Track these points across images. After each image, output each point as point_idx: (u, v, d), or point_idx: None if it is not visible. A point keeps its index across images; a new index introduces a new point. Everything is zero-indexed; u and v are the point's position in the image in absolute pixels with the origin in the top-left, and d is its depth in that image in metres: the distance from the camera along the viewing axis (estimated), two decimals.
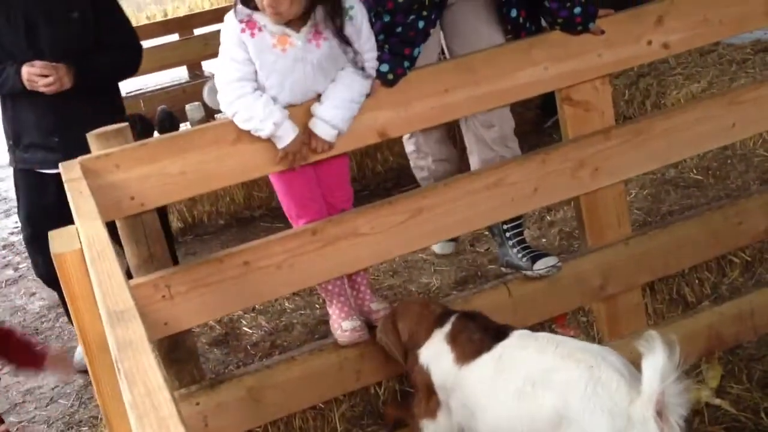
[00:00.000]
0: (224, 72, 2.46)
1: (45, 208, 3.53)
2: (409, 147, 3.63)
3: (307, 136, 2.50)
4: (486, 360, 2.28)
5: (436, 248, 4.05)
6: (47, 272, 3.57)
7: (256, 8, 2.40)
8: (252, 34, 2.42)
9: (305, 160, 2.54)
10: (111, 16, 3.60)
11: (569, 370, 2.09)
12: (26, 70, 3.32)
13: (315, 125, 2.49)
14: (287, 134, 2.45)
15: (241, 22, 2.41)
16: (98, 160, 2.35)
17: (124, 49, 3.63)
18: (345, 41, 2.45)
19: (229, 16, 2.45)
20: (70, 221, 1.76)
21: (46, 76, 3.31)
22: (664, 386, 1.90)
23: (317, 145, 2.52)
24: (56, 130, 3.46)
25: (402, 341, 2.53)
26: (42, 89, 3.33)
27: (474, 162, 3.22)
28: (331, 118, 2.48)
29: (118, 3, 3.69)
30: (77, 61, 3.40)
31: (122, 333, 1.17)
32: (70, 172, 2.22)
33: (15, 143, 3.59)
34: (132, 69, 3.76)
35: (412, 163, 3.67)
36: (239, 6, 2.42)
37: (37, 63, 3.32)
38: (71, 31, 3.44)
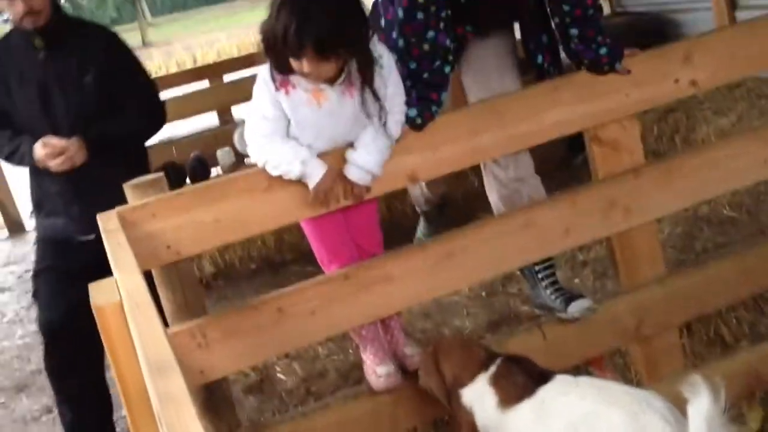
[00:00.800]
0: (255, 128, 2.50)
1: (68, 272, 3.39)
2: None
3: (342, 180, 2.53)
4: (528, 405, 2.27)
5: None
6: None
7: (291, 72, 2.43)
8: (286, 92, 2.46)
9: (338, 200, 2.55)
10: (128, 76, 3.47)
11: (613, 416, 2.06)
12: (37, 151, 3.25)
13: (350, 171, 2.52)
14: (316, 171, 2.47)
15: (274, 81, 2.45)
16: (135, 211, 2.40)
17: (144, 109, 3.50)
18: (374, 93, 2.47)
19: (263, 75, 2.48)
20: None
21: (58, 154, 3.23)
22: None
23: (355, 191, 2.54)
24: (75, 200, 3.38)
25: (446, 383, 2.51)
26: (53, 169, 3.25)
27: (493, 200, 3.22)
28: (365, 164, 2.51)
29: (137, 60, 3.57)
30: (91, 130, 3.30)
31: (163, 385, 1.19)
32: (107, 223, 2.26)
33: (37, 210, 3.53)
34: (154, 129, 3.65)
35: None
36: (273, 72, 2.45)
37: (48, 142, 3.23)
38: (85, 96, 3.34)
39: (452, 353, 2.55)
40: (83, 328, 3.42)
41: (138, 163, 3.58)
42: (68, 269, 3.39)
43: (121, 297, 1.62)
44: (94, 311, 1.61)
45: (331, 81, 2.45)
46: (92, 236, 3.27)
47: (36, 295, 3.57)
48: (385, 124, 2.52)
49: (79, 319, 3.38)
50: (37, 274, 3.54)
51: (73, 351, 3.41)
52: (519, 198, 3.07)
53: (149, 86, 3.60)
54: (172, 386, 1.18)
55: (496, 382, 2.38)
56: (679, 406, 1.97)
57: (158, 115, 3.60)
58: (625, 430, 2.01)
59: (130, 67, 3.50)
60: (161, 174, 2.59)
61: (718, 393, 1.87)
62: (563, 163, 5.67)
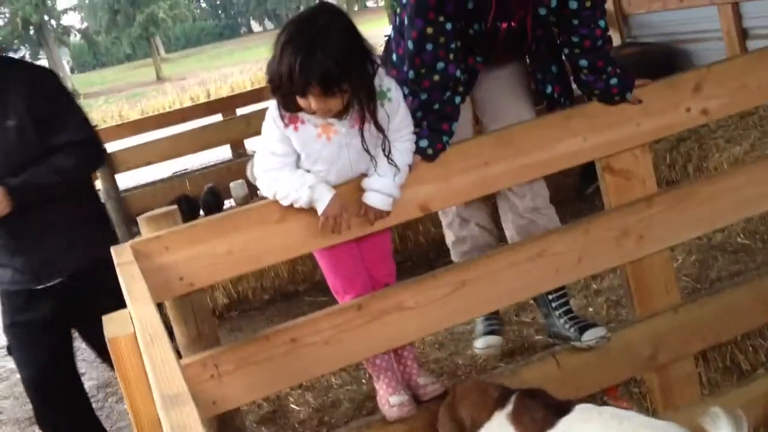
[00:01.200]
0: (263, 163, 2.53)
1: (36, 323, 3.28)
2: (445, 219, 3.46)
3: (363, 209, 2.55)
4: None
5: (479, 345, 3.39)
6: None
7: (299, 110, 2.46)
8: (295, 128, 2.49)
9: (348, 227, 2.55)
10: (56, 116, 3.23)
11: None
12: None
13: (368, 198, 2.54)
14: (323, 196, 2.48)
15: (283, 118, 2.48)
16: (149, 243, 2.41)
17: (75, 153, 3.23)
18: (376, 125, 2.49)
19: (271, 113, 2.51)
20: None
21: None
22: None
23: (375, 217, 2.57)
24: (18, 251, 3.20)
25: (466, 426, 2.50)
26: None
27: (508, 230, 3.22)
28: (382, 187, 2.53)
29: (67, 97, 3.36)
30: (15, 178, 3.11)
31: (176, 417, 1.19)
32: (121, 255, 2.28)
33: None
34: (90, 166, 3.47)
35: (450, 238, 3.44)
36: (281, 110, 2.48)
37: None
38: (9, 140, 3.13)
39: (468, 397, 2.53)
40: (65, 377, 3.41)
41: (85, 195, 3.40)
42: (35, 320, 3.29)
43: (135, 328, 1.63)
44: (108, 343, 1.62)
45: (339, 115, 2.48)
46: (52, 282, 3.22)
47: (9, 351, 3.47)
48: (389, 155, 2.54)
49: (59, 368, 3.37)
50: (7, 328, 3.43)
51: (60, 401, 3.38)
52: (535, 228, 3.07)
53: (80, 122, 3.35)
54: (185, 417, 1.19)
55: (515, 418, 2.36)
56: None
57: (90, 158, 3.36)
58: None
59: (59, 110, 3.26)
60: (174, 207, 2.61)
61: (740, 424, 1.84)
62: (576, 193, 5.67)
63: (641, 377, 3.12)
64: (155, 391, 1.32)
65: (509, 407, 2.40)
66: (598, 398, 3.05)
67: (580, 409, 2.27)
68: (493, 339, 3.28)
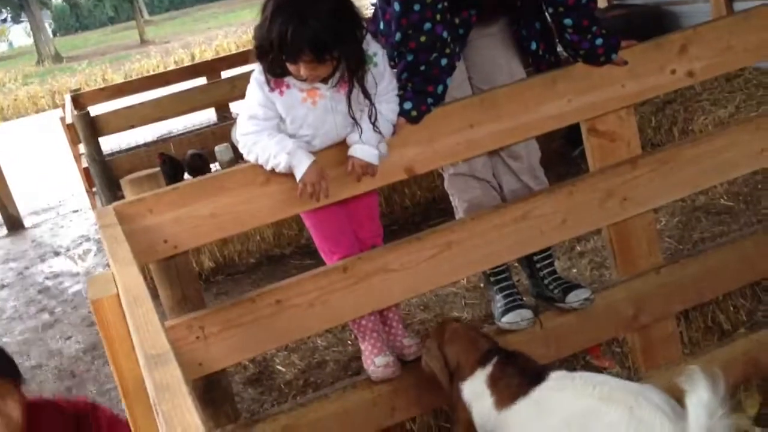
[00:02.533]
0: (244, 127, 2.52)
1: None
2: (455, 185, 3.12)
3: (350, 165, 2.54)
4: (524, 405, 2.27)
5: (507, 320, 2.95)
6: None
7: (284, 74, 2.45)
8: (281, 92, 2.48)
9: (326, 195, 2.55)
10: None
11: (609, 412, 2.06)
12: None
13: (355, 151, 2.53)
14: (302, 162, 2.47)
15: (268, 82, 2.46)
16: (132, 205, 2.40)
17: None
18: (363, 90, 2.48)
19: (256, 77, 2.49)
20: None
21: None
22: (712, 424, 1.87)
23: (362, 171, 2.55)
24: None
25: (449, 368, 2.52)
26: None
27: (506, 191, 3.21)
28: (368, 139, 2.52)
29: None
30: None
31: (160, 376, 1.20)
32: (104, 218, 2.27)
33: None
34: None
35: (462, 204, 3.08)
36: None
37: None
38: None
39: (457, 340, 2.55)
40: None
41: None
42: None
43: (118, 290, 1.63)
44: (90, 305, 1.62)
45: (325, 79, 2.46)
46: None
47: None
48: (375, 122, 2.53)
49: None
50: None
51: None
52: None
53: None
54: (168, 377, 1.19)
55: (492, 382, 2.39)
56: (678, 395, 1.96)
57: None
58: (622, 426, 2.00)
59: None
60: (157, 169, 2.60)
61: (717, 383, 1.86)
62: (561, 157, 5.68)
63: (623, 337, 3.16)
64: (139, 352, 1.33)
65: (489, 368, 2.42)
66: (580, 358, 3.09)
67: (554, 377, 2.29)
68: (525, 313, 2.89)
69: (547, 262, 3.08)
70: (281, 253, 5.63)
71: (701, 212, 4.23)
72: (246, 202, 2.51)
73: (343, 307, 2.64)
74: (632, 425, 1.99)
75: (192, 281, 2.60)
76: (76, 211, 9.19)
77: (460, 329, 2.63)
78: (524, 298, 3.01)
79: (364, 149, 2.53)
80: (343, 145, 2.59)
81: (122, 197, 2.54)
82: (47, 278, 6.74)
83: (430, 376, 2.61)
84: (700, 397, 1.85)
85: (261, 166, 2.51)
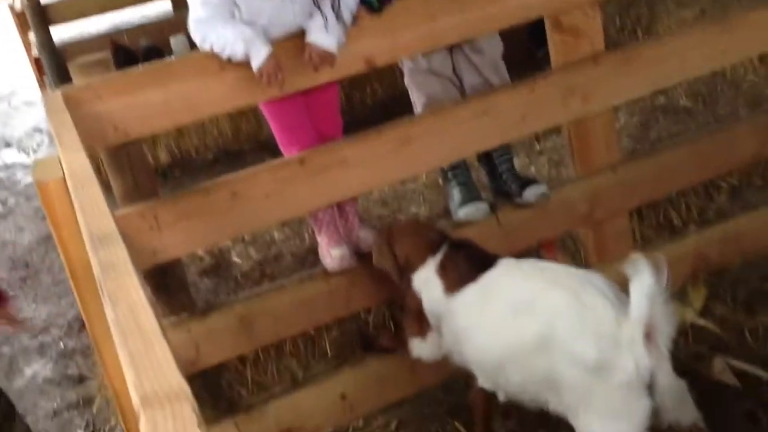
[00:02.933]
0: (197, 13, 2.43)
1: None
2: (412, 77, 3.08)
3: (307, 52, 2.46)
4: (473, 290, 2.30)
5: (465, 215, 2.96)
6: None
7: None
8: None
9: (281, 85, 2.48)
10: None
11: (554, 295, 2.10)
12: None
13: (311, 37, 2.45)
14: (259, 51, 2.40)
15: None
16: (80, 91, 2.32)
17: None
18: None
19: None
20: None
21: None
22: (652, 309, 1.91)
23: (320, 59, 2.47)
24: None
25: (398, 264, 2.54)
26: None
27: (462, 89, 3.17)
28: (331, 28, 2.45)
29: None
30: None
31: (105, 256, 1.17)
32: (52, 103, 2.19)
33: None
34: None
35: (420, 97, 3.05)
36: None
37: None
38: None
39: (405, 235, 2.57)
40: None
41: None
42: None
43: (64, 173, 1.58)
44: (36, 187, 1.58)
45: None
46: None
47: None
48: (338, 11, 2.45)
49: None
50: None
51: None
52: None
53: None
54: (113, 256, 1.17)
55: (442, 268, 2.41)
56: (626, 288, 2.00)
57: None
58: (567, 309, 2.05)
59: None
60: (107, 54, 2.50)
61: (660, 271, 1.89)
62: (526, 56, 5.61)
63: (577, 233, 3.20)
64: (84, 233, 1.30)
65: (439, 256, 2.44)
66: (534, 252, 3.13)
67: (503, 263, 2.32)
68: (481, 205, 2.90)
69: (505, 158, 3.07)
70: (239, 149, 5.56)
71: (660, 112, 4.24)
72: (199, 89, 2.44)
73: (300, 200, 2.62)
74: (576, 309, 2.03)
75: (144, 170, 2.55)
76: (28, 102, 8.94)
77: (407, 225, 2.65)
78: (482, 194, 3.01)
79: (322, 37, 2.45)
80: (302, 35, 2.51)
81: None
82: None
83: (383, 273, 2.63)
84: (642, 283, 1.88)
85: (215, 54, 2.43)
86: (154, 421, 0.81)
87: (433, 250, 2.46)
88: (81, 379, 3.47)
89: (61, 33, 8.35)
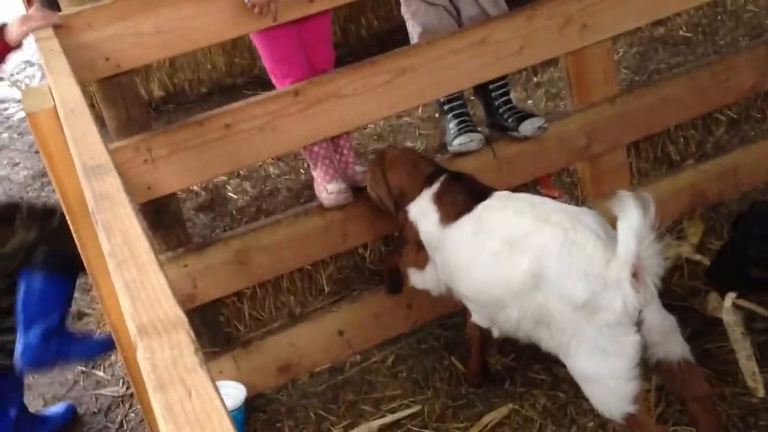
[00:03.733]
0: None
1: None
2: (409, 8, 2.97)
3: None
4: (466, 221, 2.28)
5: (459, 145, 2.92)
6: None
7: None
8: None
9: (275, 18, 2.43)
10: None
11: (544, 233, 2.08)
12: None
13: None
14: None
15: None
16: (69, 19, 2.26)
17: None
18: None
19: None
20: None
21: None
22: (639, 248, 1.89)
23: None
24: None
25: (392, 194, 2.52)
26: None
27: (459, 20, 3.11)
28: None
29: None
30: None
31: (98, 186, 1.16)
32: (40, 31, 2.14)
33: None
34: None
35: (416, 28, 2.94)
36: None
37: None
38: None
39: (400, 165, 2.54)
40: None
41: None
42: None
43: (55, 102, 1.55)
44: (27, 117, 1.55)
45: None
46: None
47: None
48: None
49: None
50: None
51: None
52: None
53: None
54: (106, 186, 1.15)
55: (438, 199, 2.39)
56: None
57: None
58: (556, 246, 2.03)
59: None
60: None
61: (648, 208, 1.87)
62: None
63: (574, 167, 3.18)
64: (77, 163, 1.28)
65: (436, 186, 2.42)
66: (531, 188, 3.12)
67: (497, 195, 2.30)
68: (476, 136, 2.87)
69: (502, 91, 3.03)
70: (233, 83, 5.47)
71: (659, 43, 4.17)
72: (192, 18, 2.39)
73: (294, 133, 2.59)
74: (566, 246, 2.02)
75: (138, 102, 2.51)
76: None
77: (401, 154, 2.61)
78: (478, 127, 2.98)
79: None
80: None
81: None
82: None
83: (377, 202, 2.61)
84: (630, 222, 1.86)
85: None
86: (151, 350, 0.81)
87: (428, 181, 2.44)
88: (80, 315, 3.48)
89: None
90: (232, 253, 2.65)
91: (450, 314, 2.87)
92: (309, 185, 3.38)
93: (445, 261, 2.35)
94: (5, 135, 5.54)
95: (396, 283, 2.66)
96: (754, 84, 3.14)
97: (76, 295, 3.62)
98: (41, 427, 2.86)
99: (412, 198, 2.46)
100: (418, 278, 2.51)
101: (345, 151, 2.85)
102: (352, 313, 2.84)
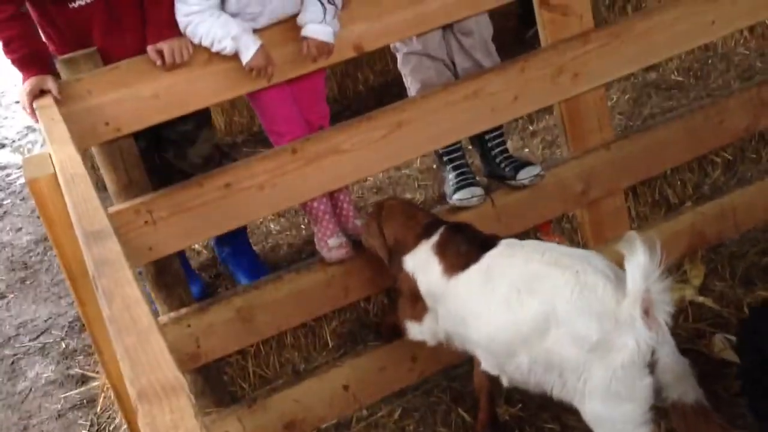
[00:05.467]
0: (184, 7, 2.42)
1: None
2: (407, 66, 3.02)
3: (304, 47, 2.48)
4: (474, 271, 2.29)
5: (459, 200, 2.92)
6: None
7: None
8: None
9: (269, 78, 2.49)
10: None
11: (555, 276, 2.09)
12: None
13: (308, 30, 2.47)
14: (248, 47, 2.42)
15: None
16: (69, 86, 2.31)
17: None
18: None
19: None
20: None
21: None
22: (649, 285, 1.91)
23: (318, 51, 2.49)
24: None
25: (388, 244, 2.53)
26: None
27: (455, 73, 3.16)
28: (319, 17, 2.46)
29: None
30: None
31: (98, 252, 1.17)
32: (41, 99, 2.18)
33: None
34: None
35: (415, 84, 2.99)
36: None
37: None
38: None
39: (395, 216, 2.55)
40: None
41: None
42: None
43: (55, 169, 1.57)
44: (27, 185, 1.57)
45: None
46: None
47: None
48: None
49: None
50: None
51: None
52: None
53: None
54: (107, 252, 1.16)
55: (439, 250, 2.39)
56: (624, 267, 1.99)
57: None
58: (568, 288, 2.05)
59: None
60: (94, 49, 2.48)
61: (654, 247, 1.89)
62: (515, 37, 5.58)
63: (573, 213, 3.19)
64: (77, 229, 1.29)
65: (435, 238, 2.43)
66: (531, 235, 3.12)
67: (504, 243, 2.31)
68: (477, 190, 2.86)
69: (498, 141, 3.06)
70: (233, 141, 5.52)
71: (652, 88, 4.23)
72: (188, 82, 2.44)
73: (294, 190, 2.61)
74: (577, 288, 2.04)
75: (137, 165, 2.54)
76: (19, 102, 8.87)
77: (397, 205, 2.62)
78: (477, 178, 3.00)
79: (319, 28, 2.46)
80: (289, 22, 2.52)
81: None
82: None
83: (373, 253, 2.62)
84: (637, 260, 1.89)
85: (202, 46, 2.43)
86: (152, 415, 0.81)
87: (428, 232, 2.45)
88: (84, 379, 3.47)
89: None
90: (235, 311, 2.65)
91: (456, 365, 2.85)
92: (310, 240, 3.40)
93: (452, 311, 2.35)
94: (8, 201, 5.58)
95: (396, 334, 2.66)
96: (748, 125, 3.17)
97: (79, 358, 3.63)
98: None
99: (409, 249, 2.46)
100: (415, 330, 2.50)
101: (344, 206, 2.87)
102: (357, 368, 2.82)
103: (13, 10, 2.36)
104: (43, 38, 2.61)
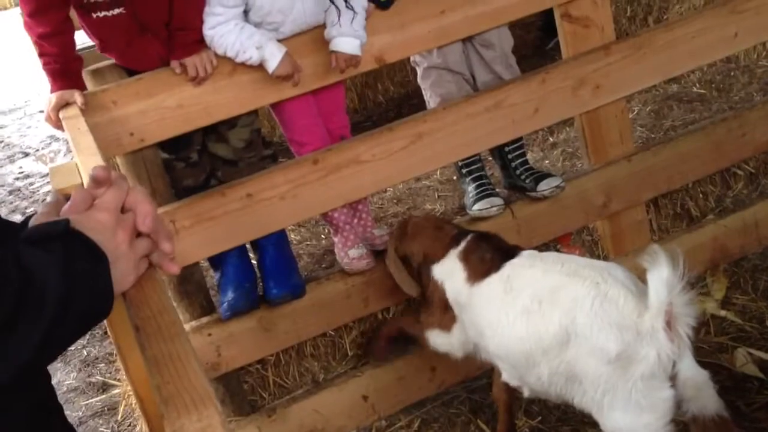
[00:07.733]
0: (212, 18, 2.45)
1: None
2: (427, 80, 3.06)
3: (333, 60, 2.51)
4: (495, 279, 2.29)
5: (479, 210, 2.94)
6: None
7: None
8: None
9: (296, 84, 2.52)
10: None
11: (576, 287, 2.09)
12: None
13: (337, 44, 2.49)
14: (273, 56, 2.44)
15: None
16: (95, 97, 2.34)
17: None
18: None
19: None
20: None
21: None
22: (672, 297, 1.91)
23: (347, 64, 2.52)
24: None
25: (414, 260, 2.54)
26: None
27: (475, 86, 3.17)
28: (347, 31, 2.48)
29: None
30: None
31: None
32: (67, 110, 2.21)
33: None
34: None
35: (435, 98, 3.04)
36: None
37: None
38: None
39: (423, 230, 2.56)
40: None
41: None
42: None
43: (82, 180, 1.59)
44: (54, 194, 1.59)
45: None
46: None
47: None
48: (353, 10, 2.48)
49: None
50: None
51: None
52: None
53: None
54: None
55: (465, 257, 2.41)
56: (644, 279, 1.99)
57: None
58: (588, 300, 2.04)
59: None
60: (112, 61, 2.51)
61: (677, 260, 1.89)
62: (536, 49, 5.59)
63: (593, 225, 3.19)
64: None
65: (462, 246, 2.44)
66: (551, 247, 3.12)
67: (526, 254, 2.32)
68: (496, 201, 2.89)
69: (519, 152, 3.07)
70: None
71: (674, 100, 4.21)
72: (212, 92, 2.46)
73: (315, 200, 2.63)
74: (597, 299, 2.03)
75: (161, 175, 2.56)
76: (43, 111, 8.98)
77: (422, 221, 2.64)
78: (496, 189, 3.01)
79: (347, 42, 2.49)
80: (311, 33, 2.54)
81: None
82: (17, 179, 6.64)
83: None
84: (660, 272, 1.88)
85: (227, 57, 2.46)
86: (180, 424, 0.82)
87: (456, 241, 2.46)
88: (105, 387, 3.49)
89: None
90: (256, 320, 2.67)
91: (475, 376, 2.85)
92: (330, 250, 3.41)
93: (474, 319, 2.35)
94: (31, 209, 5.65)
95: (389, 350, 2.71)
96: None
97: (101, 366, 3.65)
98: None
99: (438, 259, 2.47)
100: (443, 340, 2.49)
101: (363, 215, 2.89)
102: (376, 378, 2.83)
103: (57, 24, 2.34)
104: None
